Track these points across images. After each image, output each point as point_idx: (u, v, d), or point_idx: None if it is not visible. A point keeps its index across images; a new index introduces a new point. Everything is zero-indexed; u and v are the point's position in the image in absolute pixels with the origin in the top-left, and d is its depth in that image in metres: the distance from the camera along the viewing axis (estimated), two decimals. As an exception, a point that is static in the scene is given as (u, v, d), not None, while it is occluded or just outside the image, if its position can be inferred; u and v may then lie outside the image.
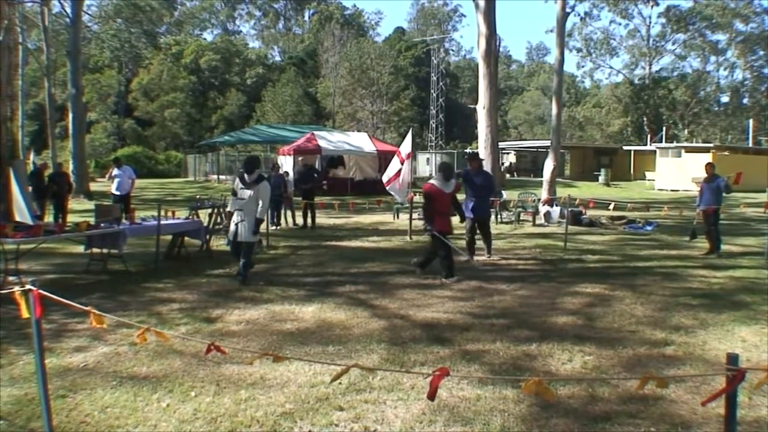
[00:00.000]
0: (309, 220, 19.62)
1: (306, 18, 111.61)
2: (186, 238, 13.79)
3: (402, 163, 17.40)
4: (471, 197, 13.79)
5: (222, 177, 46.02)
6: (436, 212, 11.45)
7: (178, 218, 14.19)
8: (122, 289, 10.39)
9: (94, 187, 34.29)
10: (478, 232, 14.06)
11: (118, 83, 72.10)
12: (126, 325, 7.33)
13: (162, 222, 12.63)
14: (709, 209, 14.68)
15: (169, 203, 23.11)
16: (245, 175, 10.88)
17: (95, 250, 11.96)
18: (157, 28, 67.92)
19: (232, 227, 10.96)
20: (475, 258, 13.63)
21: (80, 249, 12.94)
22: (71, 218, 17.25)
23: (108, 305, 9.01)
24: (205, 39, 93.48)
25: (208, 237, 14.15)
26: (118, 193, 19.19)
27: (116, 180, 19.28)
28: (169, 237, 13.61)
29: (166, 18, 62.35)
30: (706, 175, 14.96)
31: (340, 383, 5.86)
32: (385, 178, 17.86)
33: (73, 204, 20.58)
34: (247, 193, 10.74)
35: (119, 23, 54.34)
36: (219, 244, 15.01)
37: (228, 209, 10.99)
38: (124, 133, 72.27)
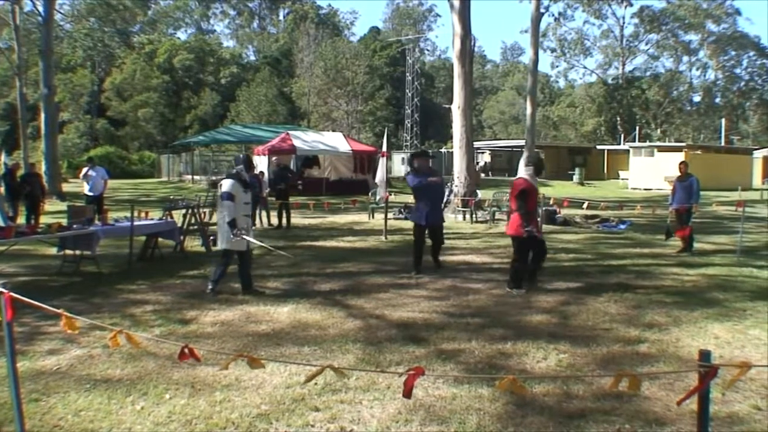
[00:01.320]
0: (284, 221, 19.56)
1: (281, 17, 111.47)
2: (160, 239, 13.71)
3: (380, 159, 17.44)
4: (424, 201, 12.06)
5: (196, 177, 45.80)
6: (529, 212, 10.21)
7: (152, 219, 14.10)
8: (95, 291, 10.30)
9: (66, 187, 34.04)
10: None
11: (90, 83, 71.47)
12: (99, 328, 7.27)
13: (135, 223, 12.56)
14: (681, 208, 14.80)
15: (143, 204, 23.01)
16: (245, 175, 10.13)
17: (68, 251, 11.87)
18: (131, 27, 67.48)
19: (242, 237, 9.86)
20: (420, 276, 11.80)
21: (53, 251, 12.85)
22: (44, 219, 17.11)
23: (81, 307, 8.94)
24: (178, 38, 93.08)
25: (182, 238, 14.08)
26: (91, 193, 19.06)
27: (89, 181, 19.15)
28: (143, 238, 13.51)
29: (139, 17, 61.86)
30: (679, 173, 15.08)
31: (315, 383, 5.85)
32: (379, 178, 17.86)
33: (45, 205, 20.38)
34: (249, 195, 10.17)
35: (92, 22, 53.93)
36: (193, 245, 14.95)
37: (226, 216, 9.64)
38: (97, 133, 71.81)
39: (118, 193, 34.58)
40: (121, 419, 5.37)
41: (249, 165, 10.36)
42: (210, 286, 10.09)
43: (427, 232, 12.28)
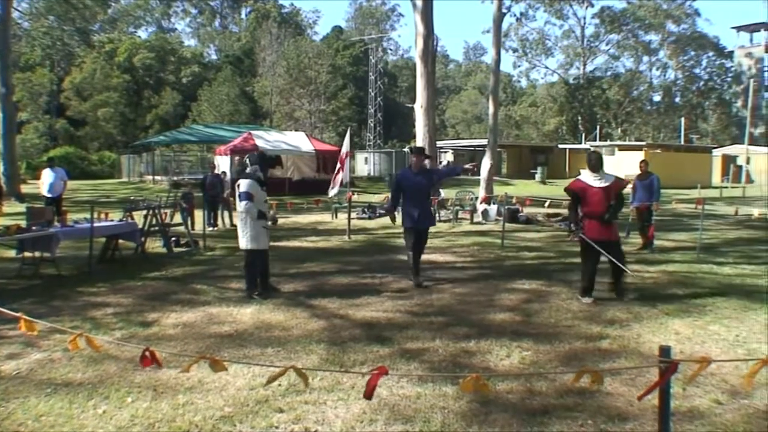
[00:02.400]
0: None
1: (242, 16, 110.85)
2: (120, 241, 13.57)
3: (341, 163, 17.39)
4: (412, 202, 11.01)
5: (157, 178, 45.41)
6: (585, 214, 9.69)
7: (112, 220, 13.95)
8: (55, 294, 10.16)
9: (25, 189, 33.54)
10: None
11: (50, 82, 70.45)
12: (59, 331, 7.17)
13: (95, 224, 12.41)
14: (642, 206, 14.95)
15: (103, 205, 22.80)
16: (261, 175, 9.95)
17: (27, 254, 11.71)
18: (91, 26, 66.62)
19: (265, 236, 9.97)
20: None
21: (12, 253, 12.67)
22: (2, 221, 16.85)
23: (41, 310, 8.82)
24: (139, 37, 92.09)
25: (143, 239, 13.95)
26: (50, 195, 18.83)
27: (48, 182, 18.91)
28: (103, 240, 13.36)
29: (99, 15, 61.16)
30: (639, 172, 15.23)
31: (279, 384, 5.83)
32: (339, 178, 17.80)
33: (4, 207, 20.07)
34: (265, 195, 9.98)
35: (51, 20, 53.18)
36: (155, 246, 14.82)
37: (252, 211, 9.63)
38: (57, 134, 70.86)
39: (77, 194, 34.16)
40: (82, 423, 5.30)
41: (267, 164, 10.25)
42: (248, 291, 9.96)
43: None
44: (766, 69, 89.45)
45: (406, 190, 11.05)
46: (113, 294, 10.23)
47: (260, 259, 10.02)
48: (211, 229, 17.99)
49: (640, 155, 45.92)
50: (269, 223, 9.67)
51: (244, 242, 9.97)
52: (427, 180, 11.21)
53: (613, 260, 9.51)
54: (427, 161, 12.54)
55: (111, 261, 13.29)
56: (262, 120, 74.37)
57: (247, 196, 9.63)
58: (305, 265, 12.89)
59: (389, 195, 12.31)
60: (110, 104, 71.65)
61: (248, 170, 9.99)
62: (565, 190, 10.03)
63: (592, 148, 51.59)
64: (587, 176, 9.62)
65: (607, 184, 9.47)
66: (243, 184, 9.77)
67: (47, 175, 19.13)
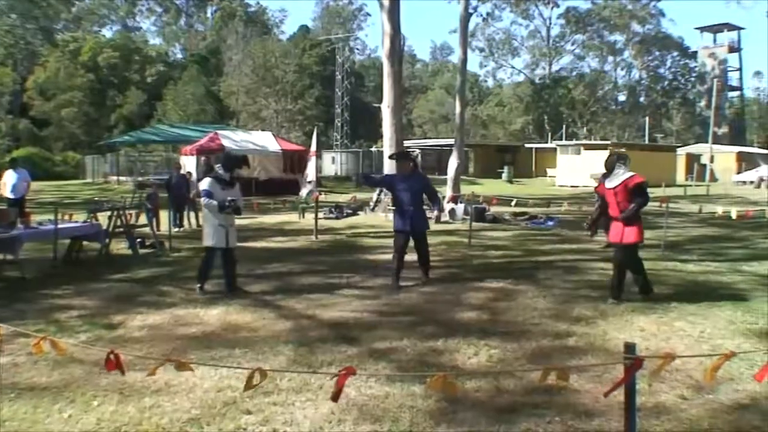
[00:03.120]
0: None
1: (208, 15, 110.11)
2: (85, 242, 13.43)
3: (306, 161, 17.38)
4: (404, 206, 10.75)
5: (122, 178, 45.00)
6: (608, 217, 9.62)
7: (76, 221, 13.83)
8: (19, 297, 10.01)
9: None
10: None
11: (12, 81, 69.55)
12: (23, 335, 7.07)
13: (59, 226, 12.29)
14: None
15: (67, 206, 22.53)
16: (224, 174, 9.91)
17: (-10, 255, 11.56)
18: (54, 24, 66.01)
19: (221, 234, 9.89)
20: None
21: (-26, 255, 12.50)
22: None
23: (4, 314, 8.68)
24: (103, 36, 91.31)
25: (107, 240, 13.81)
26: (12, 196, 18.55)
27: (11, 183, 18.67)
28: (68, 241, 13.22)
29: (63, 14, 60.68)
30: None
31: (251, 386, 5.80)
32: (308, 179, 17.74)
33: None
34: (230, 194, 9.90)
35: (13, 18, 52.59)
36: (119, 247, 14.68)
37: (210, 205, 9.62)
38: (20, 134, 69.90)
39: (41, 195, 33.73)
40: (48, 428, 5.25)
41: (230, 164, 10.21)
42: (198, 286, 10.06)
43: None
44: (729, 69, 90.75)
45: (398, 193, 10.87)
46: (78, 296, 10.11)
47: (213, 258, 10.07)
48: (176, 229, 17.85)
49: (605, 154, 46.35)
50: (225, 207, 9.64)
51: (204, 238, 10.13)
52: (418, 184, 10.89)
53: (621, 263, 9.37)
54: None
55: (75, 263, 13.13)
56: (228, 120, 74.00)
57: (207, 194, 9.69)
58: (272, 266, 12.84)
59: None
60: (74, 104, 70.83)
61: (214, 169, 10.06)
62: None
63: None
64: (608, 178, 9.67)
65: (614, 184, 9.34)
66: (203, 183, 9.91)
67: (10, 177, 18.86)
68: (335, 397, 3.84)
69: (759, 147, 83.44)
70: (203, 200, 9.78)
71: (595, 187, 9.98)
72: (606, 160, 9.84)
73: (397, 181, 11.05)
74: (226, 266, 10.19)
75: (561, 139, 68.09)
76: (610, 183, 9.41)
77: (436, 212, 12.57)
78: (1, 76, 67.87)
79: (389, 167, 23.14)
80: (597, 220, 11.03)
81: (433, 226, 19.04)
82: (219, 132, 39.90)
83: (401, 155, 12.22)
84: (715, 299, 9.56)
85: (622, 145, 53.62)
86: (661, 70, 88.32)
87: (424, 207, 11.26)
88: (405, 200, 10.73)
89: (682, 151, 62.92)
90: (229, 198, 9.66)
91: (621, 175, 9.33)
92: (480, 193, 23.44)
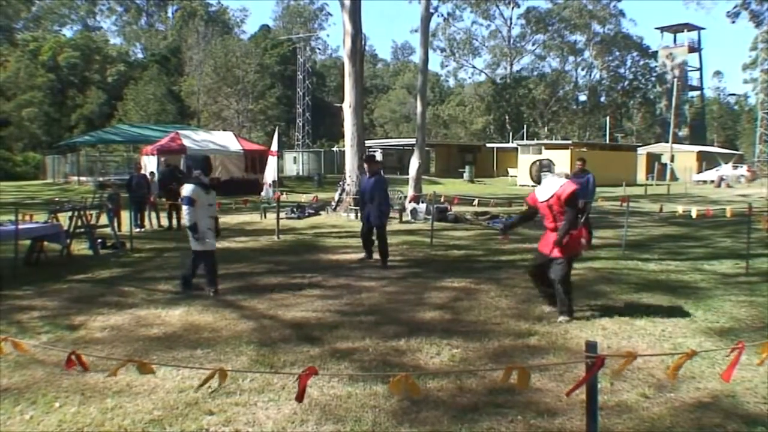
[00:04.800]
0: (174, 222, 19.21)
1: (169, 14, 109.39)
2: (46, 243, 13.25)
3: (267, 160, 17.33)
4: (366, 203, 13.10)
5: (83, 178, 44.46)
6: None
7: (37, 222, 13.65)
8: (-24, 297, 9.88)
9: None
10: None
11: (-29, 81, 68.65)
12: (-20, 335, 6.97)
13: (20, 226, 12.11)
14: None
15: (27, 207, 22.20)
16: (205, 179, 9.93)
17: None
18: (14, 24, 65.03)
19: (209, 237, 9.91)
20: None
21: (-69, 257, 12.29)
22: None
23: (-39, 315, 8.58)
24: (64, 35, 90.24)
25: (68, 241, 13.64)
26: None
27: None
28: (28, 242, 13.03)
29: (23, 13, 59.79)
30: (576, 170, 15.30)
31: (209, 387, 5.75)
32: (269, 179, 17.66)
33: None
34: (211, 198, 9.96)
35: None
36: (80, 248, 14.51)
37: (193, 221, 9.57)
38: (-21, 135, 68.99)
39: (1, 195, 33.29)
40: (9, 430, 5.19)
41: (208, 167, 10.22)
42: (181, 288, 10.09)
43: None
44: (689, 69, 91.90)
45: (363, 191, 13.30)
46: (39, 297, 9.99)
47: (206, 258, 10.03)
48: (137, 230, 17.70)
49: (566, 154, 46.78)
50: (196, 239, 9.62)
51: (191, 243, 9.98)
52: (374, 181, 13.05)
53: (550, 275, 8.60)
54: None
55: (36, 264, 12.95)
56: (189, 119, 73.53)
57: (189, 201, 9.54)
58: (234, 266, 12.75)
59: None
60: (35, 104, 69.89)
61: (193, 174, 9.93)
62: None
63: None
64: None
65: (547, 197, 8.59)
66: (185, 189, 9.76)
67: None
68: (300, 398, 3.82)
69: (719, 146, 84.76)
70: (185, 209, 9.64)
71: (527, 197, 9.31)
72: (530, 171, 9.41)
73: (362, 182, 13.35)
74: (194, 267, 10.17)
75: (522, 139, 68.55)
76: (542, 195, 8.69)
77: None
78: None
79: (350, 165, 23.17)
80: (515, 226, 10.61)
81: (395, 226, 19.14)
82: (180, 132, 39.60)
83: (368, 158, 14.82)
84: (676, 298, 9.66)
85: (584, 145, 54.20)
86: (622, 70, 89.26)
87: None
88: (364, 197, 13.19)
89: (642, 151, 63.69)
90: (208, 235, 9.67)
91: (551, 185, 8.62)
92: (441, 193, 23.46)
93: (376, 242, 13.06)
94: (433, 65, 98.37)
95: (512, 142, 66.49)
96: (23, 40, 77.59)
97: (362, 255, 13.45)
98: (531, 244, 15.66)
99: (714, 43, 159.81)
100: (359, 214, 14.88)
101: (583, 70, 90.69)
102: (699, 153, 67.57)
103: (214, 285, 10.10)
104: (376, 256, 13.16)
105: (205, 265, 10.06)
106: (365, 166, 13.71)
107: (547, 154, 48.65)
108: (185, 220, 9.78)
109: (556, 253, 8.42)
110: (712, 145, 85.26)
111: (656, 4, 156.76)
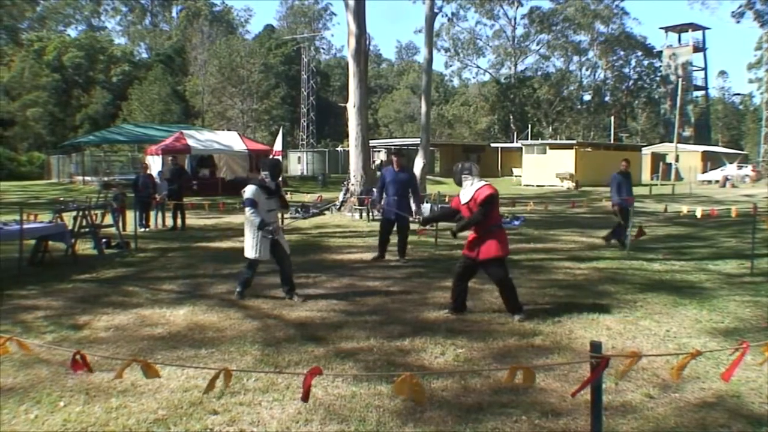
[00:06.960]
0: (178, 222, 19.22)
1: (173, 14, 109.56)
2: (50, 243, 13.26)
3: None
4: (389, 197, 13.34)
5: (87, 178, 44.50)
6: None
7: (41, 222, 13.66)
8: (-19, 297, 9.90)
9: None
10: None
11: (-24, 81, 68.74)
12: (-15, 335, 6.98)
13: (24, 226, 12.12)
14: (629, 199, 15.16)
15: (32, 206, 22.23)
16: (270, 182, 9.64)
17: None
18: (19, 24, 65.10)
19: (265, 245, 9.61)
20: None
21: (-65, 256, 12.31)
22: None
23: (-34, 314, 8.59)
24: (68, 35, 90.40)
25: (73, 241, 13.66)
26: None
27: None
28: (33, 242, 13.04)
29: (28, 13, 59.88)
30: (621, 169, 15.52)
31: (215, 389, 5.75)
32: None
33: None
34: (274, 203, 9.72)
35: (-24, 18, 51.86)
36: (85, 248, 14.53)
37: (253, 221, 9.36)
38: (-17, 134, 69.11)
39: (6, 195, 33.35)
40: (14, 429, 5.19)
41: (277, 171, 9.88)
42: (237, 289, 9.91)
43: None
44: (693, 69, 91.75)
45: (388, 185, 13.27)
46: (43, 297, 9.99)
47: (254, 269, 9.88)
48: (142, 230, 17.73)
49: (570, 154, 46.74)
50: (265, 235, 9.39)
51: (245, 250, 9.82)
52: (407, 176, 13.59)
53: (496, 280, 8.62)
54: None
55: (41, 263, 12.96)
56: (193, 119, 73.61)
57: (250, 203, 9.31)
58: (238, 266, 12.67)
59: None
60: (39, 104, 69.97)
61: (260, 175, 9.70)
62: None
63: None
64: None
65: (467, 199, 8.73)
66: (247, 191, 9.47)
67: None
68: (305, 397, 3.82)
69: (724, 146, 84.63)
70: (247, 210, 9.37)
71: (451, 200, 9.26)
72: (453, 174, 9.29)
73: (389, 173, 13.38)
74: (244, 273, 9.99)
75: (526, 139, 68.49)
76: (463, 197, 8.76)
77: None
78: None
79: (355, 165, 23.16)
80: (433, 221, 11.63)
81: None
82: (184, 131, 39.62)
83: (397, 151, 14.73)
84: (681, 298, 9.64)
85: (588, 145, 54.13)
86: (626, 70, 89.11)
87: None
88: (390, 191, 13.21)
89: (647, 151, 63.56)
90: (271, 226, 9.46)
91: (471, 188, 8.68)
92: (446, 193, 23.43)
93: (397, 238, 13.35)
94: (438, 65, 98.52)
95: (517, 142, 66.38)
96: (28, 40, 77.72)
97: (374, 255, 13.49)
98: (535, 244, 15.72)
99: (718, 42, 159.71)
100: (365, 214, 14.81)
101: (587, 69, 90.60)
102: (703, 153, 67.43)
103: (240, 289, 9.94)
104: (388, 256, 13.27)
105: (245, 274, 9.92)
106: (394, 159, 13.67)
107: (551, 154, 48.60)
108: (252, 223, 9.42)
109: (490, 253, 8.47)
110: (717, 145, 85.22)
111: (660, 4, 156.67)
